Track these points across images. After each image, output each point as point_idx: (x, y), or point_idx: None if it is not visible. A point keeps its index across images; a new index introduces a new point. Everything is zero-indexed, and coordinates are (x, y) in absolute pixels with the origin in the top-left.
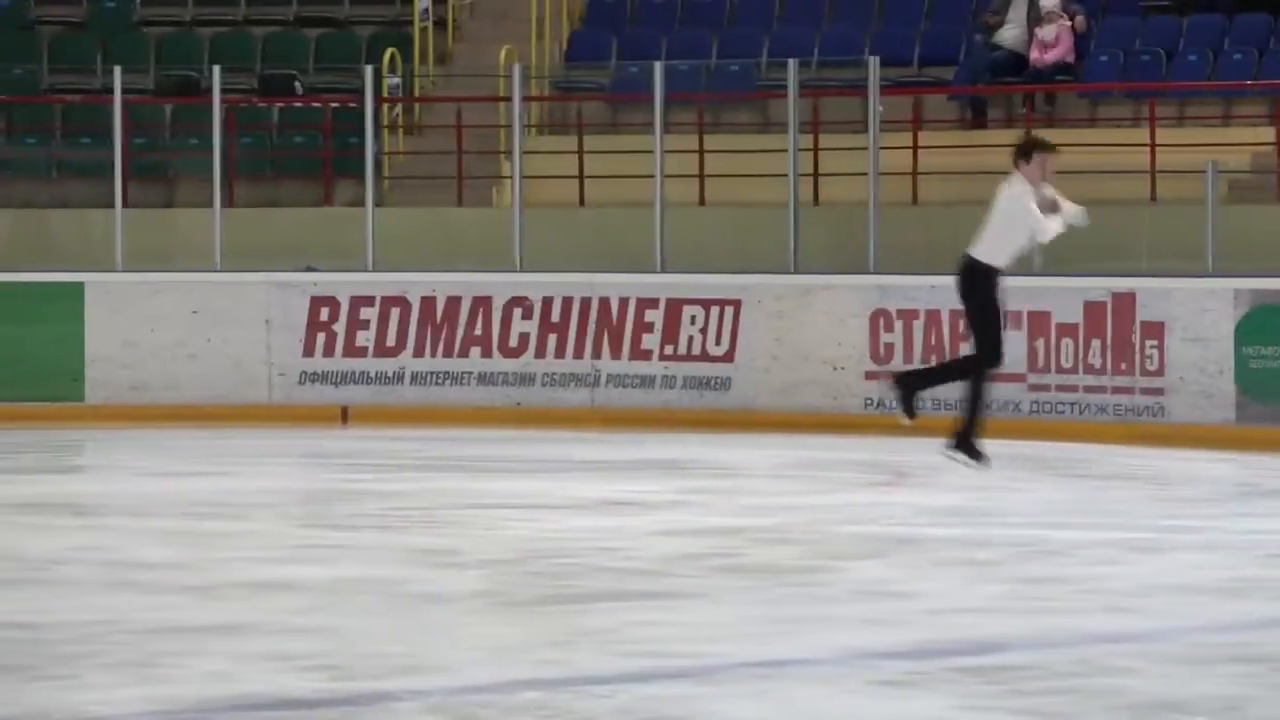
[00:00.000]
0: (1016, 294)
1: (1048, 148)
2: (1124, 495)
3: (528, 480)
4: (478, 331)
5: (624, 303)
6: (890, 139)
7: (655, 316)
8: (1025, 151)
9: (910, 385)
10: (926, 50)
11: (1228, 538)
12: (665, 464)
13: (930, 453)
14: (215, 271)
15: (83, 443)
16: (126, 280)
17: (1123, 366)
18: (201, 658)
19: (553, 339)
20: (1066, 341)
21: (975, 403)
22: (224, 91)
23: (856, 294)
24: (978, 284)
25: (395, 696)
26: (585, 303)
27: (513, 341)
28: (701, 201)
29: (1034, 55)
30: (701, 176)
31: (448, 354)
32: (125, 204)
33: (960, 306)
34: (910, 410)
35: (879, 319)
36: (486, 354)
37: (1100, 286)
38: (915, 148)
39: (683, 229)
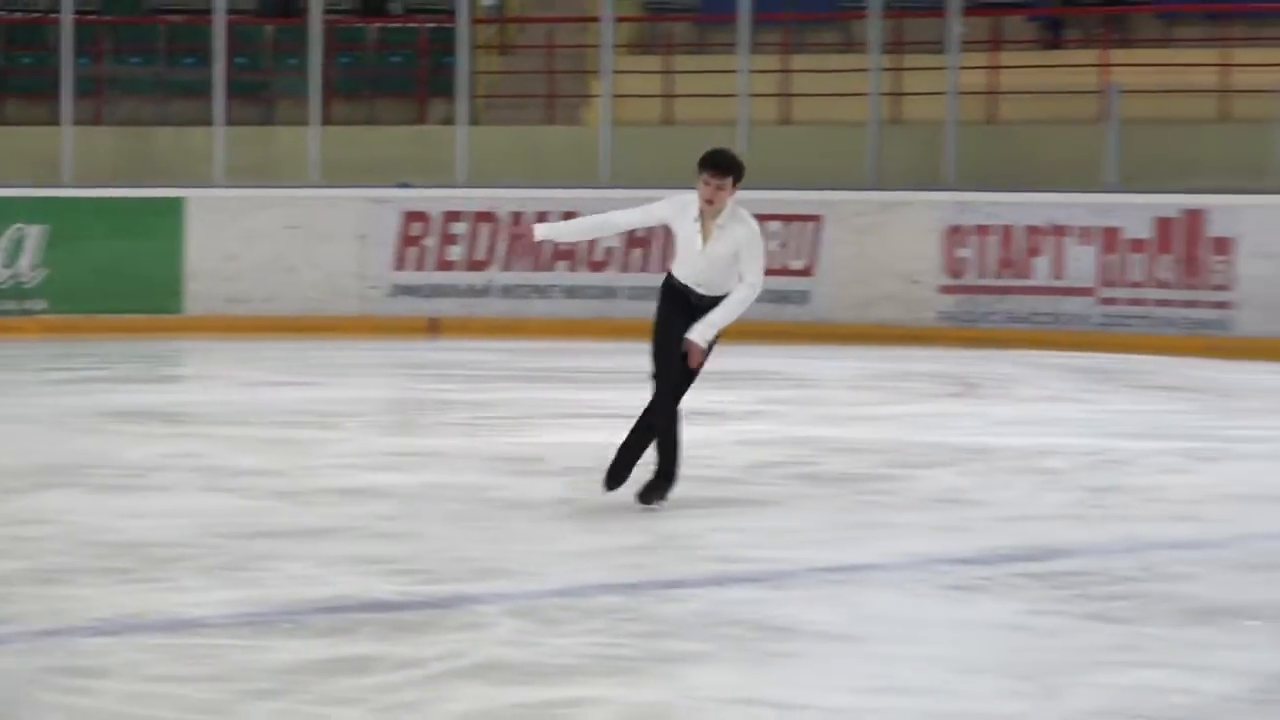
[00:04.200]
0: (1088, 211)
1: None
2: (1189, 406)
3: (612, 390)
4: (565, 246)
5: None
6: (969, 59)
7: None
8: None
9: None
10: None
11: None
12: (746, 375)
13: (1003, 364)
14: (312, 187)
15: (181, 353)
16: (226, 196)
17: (1192, 281)
18: (291, 561)
19: (637, 254)
20: (1137, 256)
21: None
22: (323, 11)
23: (934, 210)
24: None
25: (479, 599)
26: None
27: (599, 256)
28: (786, 120)
29: None
30: (786, 96)
31: (536, 268)
32: (227, 122)
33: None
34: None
35: (955, 235)
36: (573, 268)
37: (1171, 203)
38: (994, 67)
39: (767, 146)
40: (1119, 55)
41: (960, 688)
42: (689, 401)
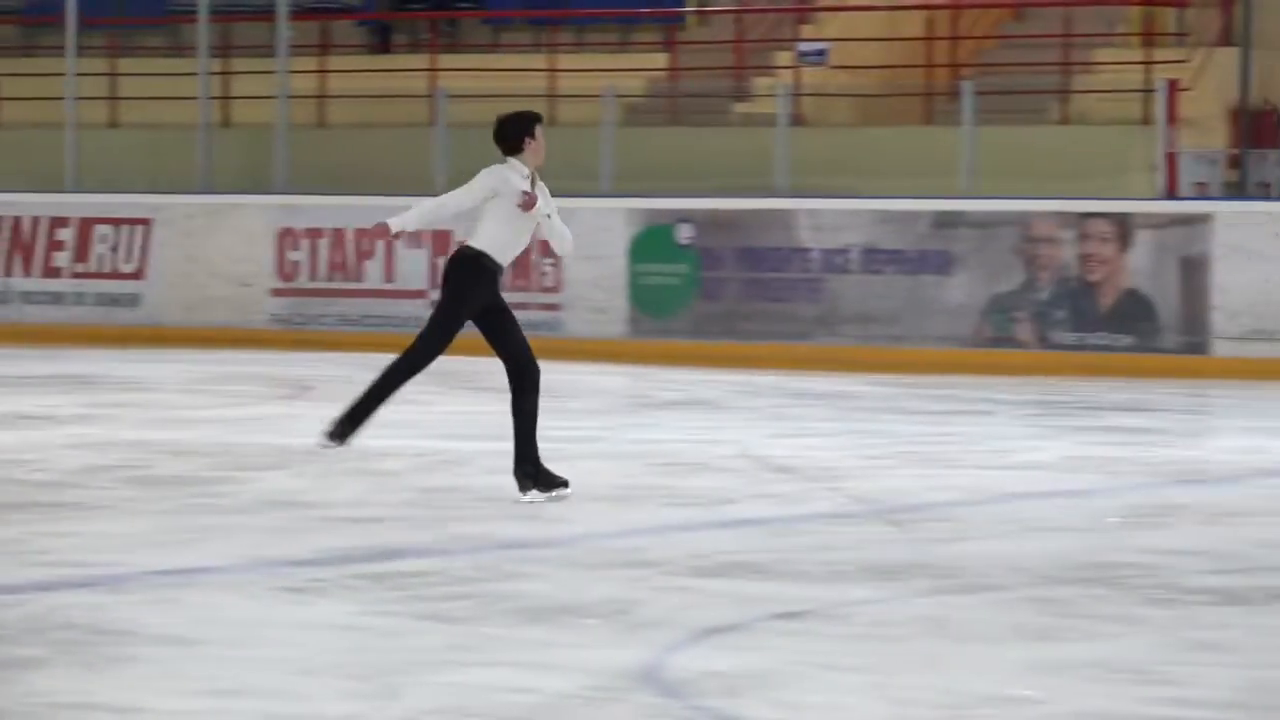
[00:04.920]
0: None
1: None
2: None
3: None
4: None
5: (36, 222)
6: (299, 63)
7: (67, 235)
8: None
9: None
10: None
11: (621, 447)
12: (75, 379)
13: (337, 366)
14: None
15: None
16: None
17: (521, 283)
18: None
19: None
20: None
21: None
22: None
23: (264, 213)
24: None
25: None
26: None
27: None
28: (114, 123)
29: None
30: (114, 99)
31: None
32: None
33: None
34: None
35: (286, 237)
36: None
37: None
38: (323, 72)
39: (95, 150)
40: (448, 60)
41: (299, 689)
42: (13, 406)
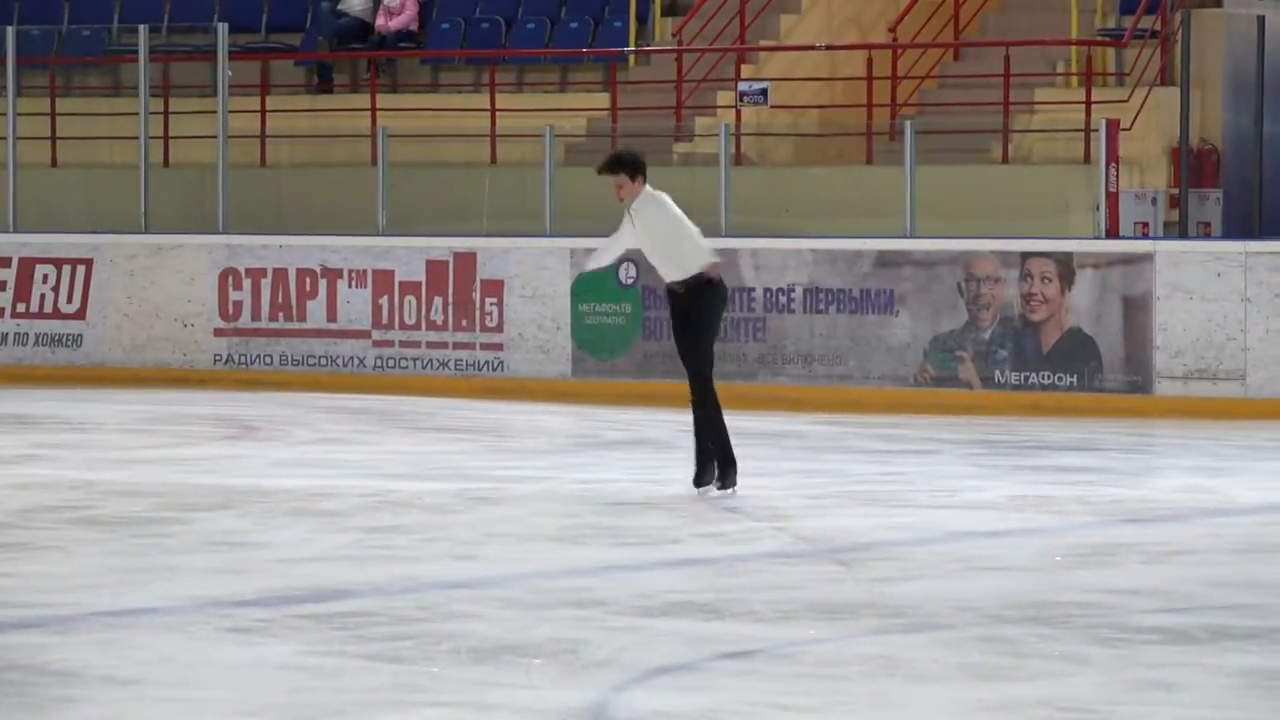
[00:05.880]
0: (361, 254)
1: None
2: (465, 447)
3: None
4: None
5: None
6: (239, 103)
7: (7, 275)
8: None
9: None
10: (274, 17)
11: (565, 487)
12: (17, 419)
13: (280, 406)
14: None
15: None
16: None
17: (464, 323)
18: None
19: None
20: (409, 299)
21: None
22: None
23: (206, 253)
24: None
25: None
26: None
27: None
28: (54, 163)
29: (380, 22)
30: (54, 139)
31: None
32: None
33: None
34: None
35: (228, 277)
36: None
37: (442, 246)
38: (263, 112)
39: (36, 189)
40: (388, 100)
41: None
42: None
